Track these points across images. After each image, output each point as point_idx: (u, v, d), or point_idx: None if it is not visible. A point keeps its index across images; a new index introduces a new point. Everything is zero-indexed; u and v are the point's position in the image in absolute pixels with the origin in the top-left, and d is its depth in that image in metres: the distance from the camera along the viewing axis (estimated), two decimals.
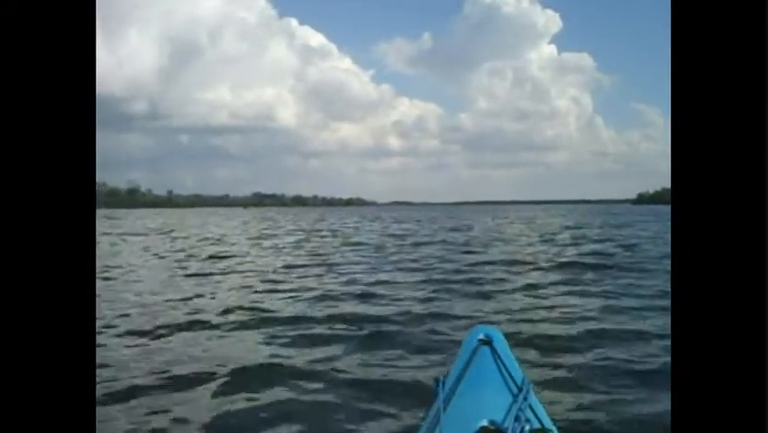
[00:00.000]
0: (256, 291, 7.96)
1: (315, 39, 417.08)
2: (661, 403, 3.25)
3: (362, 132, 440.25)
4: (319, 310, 6.33)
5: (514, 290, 7.75)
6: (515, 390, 1.90)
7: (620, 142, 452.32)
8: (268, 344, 4.95)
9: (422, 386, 3.49)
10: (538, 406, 1.89)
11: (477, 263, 10.94)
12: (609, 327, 5.34)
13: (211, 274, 10.04)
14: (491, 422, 1.74)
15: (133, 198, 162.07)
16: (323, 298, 7.21)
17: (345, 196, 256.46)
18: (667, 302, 5.56)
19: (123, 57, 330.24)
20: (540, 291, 7.68)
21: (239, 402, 3.50)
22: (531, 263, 10.94)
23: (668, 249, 11.20)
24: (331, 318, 5.84)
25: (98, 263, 10.02)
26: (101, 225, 30.30)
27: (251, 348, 4.82)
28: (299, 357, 4.45)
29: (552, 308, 6.45)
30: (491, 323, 4.42)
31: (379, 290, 7.88)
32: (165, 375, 3.96)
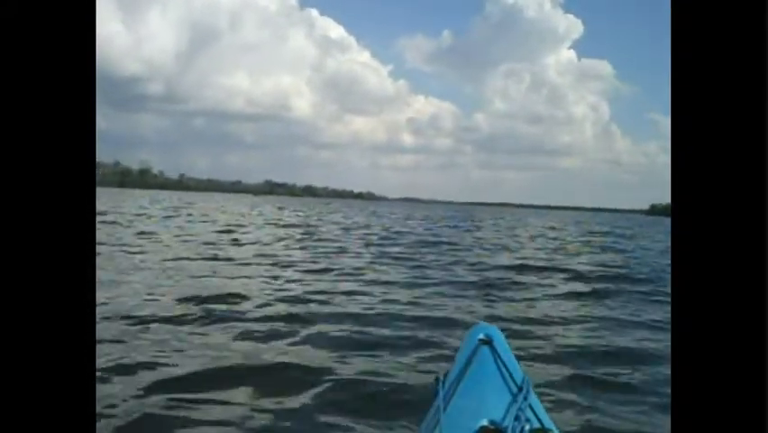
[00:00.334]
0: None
1: (335, 31, 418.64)
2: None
3: (376, 126, 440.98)
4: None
5: None
6: (515, 389, 1.90)
7: (636, 152, 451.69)
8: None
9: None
10: (538, 406, 1.89)
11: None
12: None
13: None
14: (491, 422, 1.74)
15: (144, 179, 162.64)
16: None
17: (356, 189, 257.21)
18: None
19: (143, 37, 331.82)
20: None
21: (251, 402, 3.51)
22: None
23: None
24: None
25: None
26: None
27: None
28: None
29: None
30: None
31: None
32: None
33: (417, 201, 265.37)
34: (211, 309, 5.66)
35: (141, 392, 3.38)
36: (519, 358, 2.15)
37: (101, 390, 3.27)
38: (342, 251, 12.72)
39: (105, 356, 3.89)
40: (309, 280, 8.14)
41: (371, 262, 10.74)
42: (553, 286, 8.87)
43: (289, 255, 11.34)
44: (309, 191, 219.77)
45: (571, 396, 3.55)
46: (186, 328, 5.00)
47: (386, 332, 5.17)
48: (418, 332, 5.19)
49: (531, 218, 56.42)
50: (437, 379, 1.96)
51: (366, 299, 6.90)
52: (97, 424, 2.82)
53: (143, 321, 5.08)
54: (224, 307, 5.91)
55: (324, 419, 3.20)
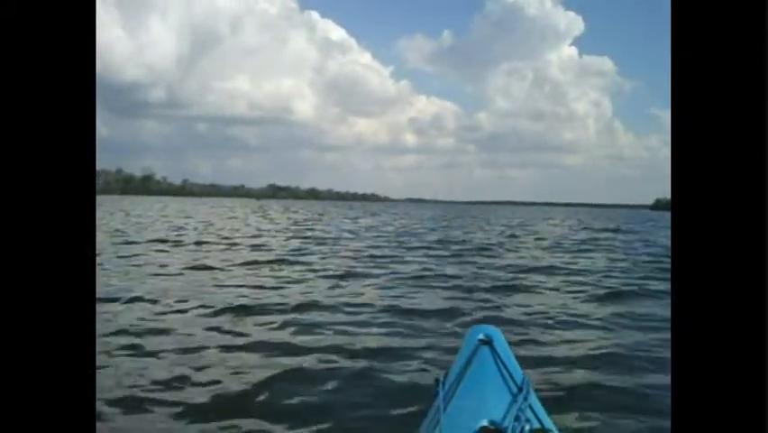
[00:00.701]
0: None
1: (336, 33, 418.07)
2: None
3: (379, 127, 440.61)
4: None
5: None
6: (515, 390, 1.90)
7: (639, 147, 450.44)
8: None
9: None
10: (538, 406, 1.89)
11: None
12: None
13: None
14: (491, 422, 1.74)
15: (147, 186, 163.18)
16: None
17: (360, 191, 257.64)
18: None
19: (144, 43, 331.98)
20: None
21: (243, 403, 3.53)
22: None
23: None
24: None
25: None
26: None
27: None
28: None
29: None
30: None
31: None
32: None
33: (422, 202, 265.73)
34: None
35: None
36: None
37: None
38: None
39: None
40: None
41: None
42: None
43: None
44: (313, 194, 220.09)
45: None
46: None
47: None
48: None
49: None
50: (437, 379, 1.96)
51: None
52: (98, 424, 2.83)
53: None
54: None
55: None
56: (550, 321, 5.93)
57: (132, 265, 9.49)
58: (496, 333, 2.16)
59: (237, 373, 3.96)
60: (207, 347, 4.53)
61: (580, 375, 4.03)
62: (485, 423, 1.73)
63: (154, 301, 6.33)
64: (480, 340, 2.10)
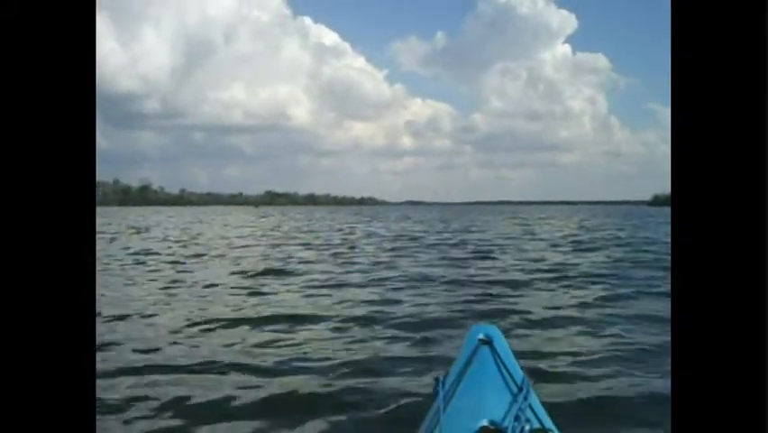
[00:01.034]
0: None
1: (329, 38, 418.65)
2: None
3: (375, 131, 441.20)
4: None
5: None
6: (515, 389, 1.89)
7: (635, 142, 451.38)
8: None
9: None
10: (538, 406, 1.89)
11: None
12: None
13: None
14: (491, 422, 1.74)
15: (145, 196, 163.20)
16: None
17: (357, 195, 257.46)
18: None
19: (138, 55, 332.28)
20: None
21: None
22: None
23: None
24: None
25: None
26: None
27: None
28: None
29: None
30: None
31: None
32: None
33: (420, 204, 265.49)
34: None
35: None
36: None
37: None
38: None
39: None
40: None
41: None
42: None
43: None
44: (311, 200, 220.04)
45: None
46: None
47: None
48: None
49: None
50: (437, 379, 1.95)
51: None
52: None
53: None
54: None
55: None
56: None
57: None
58: (496, 333, 2.16)
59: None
60: None
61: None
62: (485, 423, 1.73)
63: None
64: (480, 340, 2.10)
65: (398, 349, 4.69)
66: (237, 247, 15.56)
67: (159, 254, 13.46)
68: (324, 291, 7.84)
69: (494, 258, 12.49)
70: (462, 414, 1.78)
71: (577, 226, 24.99)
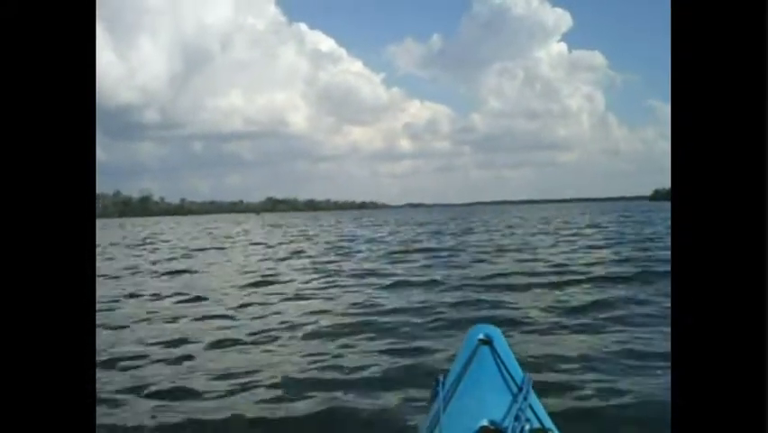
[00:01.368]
0: None
1: (326, 43, 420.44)
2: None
3: (374, 135, 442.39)
4: None
5: None
6: (515, 389, 1.89)
7: (634, 139, 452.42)
8: None
9: None
10: (538, 406, 1.88)
11: None
12: None
13: None
14: (491, 422, 1.73)
15: (146, 207, 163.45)
16: None
17: (358, 199, 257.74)
18: None
19: (135, 66, 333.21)
20: None
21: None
22: None
23: None
24: None
25: None
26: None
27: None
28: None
29: None
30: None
31: None
32: None
33: (421, 206, 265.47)
34: None
35: None
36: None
37: None
38: None
39: None
40: None
41: None
42: None
43: None
44: (311, 205, 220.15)
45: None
46: None
47: None
48: None
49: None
50: (437, 379, 1.95)
51: None
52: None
53: None
54: None
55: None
56: None
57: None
58: (496, 333, 2.15)
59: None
60: None
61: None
62: (485, 423, 1.73)
63: None
64: (480, 340, 2.09)
65: None
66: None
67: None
68: None
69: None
70: (462, 414, 1.78)
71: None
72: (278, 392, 3.85)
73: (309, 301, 7.87)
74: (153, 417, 3.45)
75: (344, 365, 4.45)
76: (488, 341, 2.09)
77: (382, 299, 7.67)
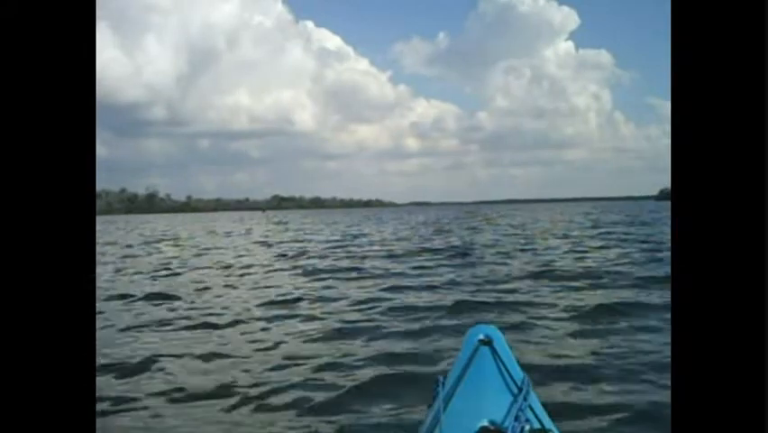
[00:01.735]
0: None
1: (332, 41, 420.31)
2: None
3: (380, 133, 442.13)
4: None
5: None
6: (515, 390, 1.89)
7: (641, 138, 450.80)
8: None
9: None
10: (538, 406, 1.89)
11: None
12: None
13: None
14: (491, 422, 1.74)
15: (152, 204, 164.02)
16: None
17: (364, 197, 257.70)
18: None
19: (142, 64, 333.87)
20: None
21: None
22: None
23: None
24: None
25: None
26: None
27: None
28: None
29: None
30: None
31: None
32: None
33: (427, 205, 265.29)
34: None
35: None
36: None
37: None
38: None
39: None
40: None
41: None
42: None
43: None
44: (317, 203, 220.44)
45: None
46: None
47: None
48: None
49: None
50: (437, 379, 1.96)
51: None
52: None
53: None
54: None
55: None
56: None
57: None
58: (496, 333, 2.15)
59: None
60: None
61: None
62: (485, 423, 1.73)
63: None
64: (480, 340, 2.09)
65: None
66: None
67: None
68: None
69: None
70: (462, 414, 1.78)
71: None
72: (279, 391, 3.86)
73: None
74: None
75: (348, 364, 4.46)
76: (488, 341, 2.09)
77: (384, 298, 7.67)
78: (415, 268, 10.95)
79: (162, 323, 6.25)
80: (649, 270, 9.63)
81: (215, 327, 6.00)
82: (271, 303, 7.41)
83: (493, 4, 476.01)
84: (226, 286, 9.27)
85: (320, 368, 4.28)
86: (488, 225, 29.45)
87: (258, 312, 6.80)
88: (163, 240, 23.99)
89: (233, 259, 14.01)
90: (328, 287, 8.79)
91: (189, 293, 8.43)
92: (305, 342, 5.23)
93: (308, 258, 13.69)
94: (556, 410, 2.09)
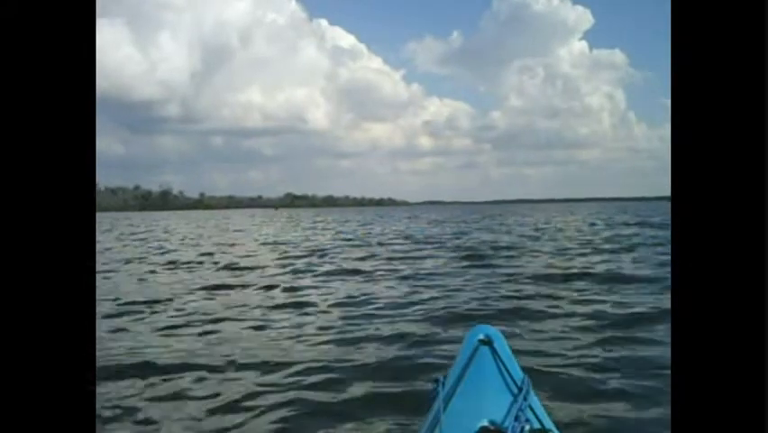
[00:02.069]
0: None
1: (346, 40, 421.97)
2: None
3: (394, 132, 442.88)
4: None
5: None
6: (515, 390, 1.89)
7: (654, 138, 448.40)
8: None
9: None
10: (538, 406, 1.88)
11: None
12: None
13: None
14: (491, 422, 1.74)
15: (165, 201, 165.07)
16: None
17: (376, 196, 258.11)
18: None
19: (156, 60, 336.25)
20: None
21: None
22: None
23: None
24: None
25: None
26: None
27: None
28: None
29: None
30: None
31: None
32: None
33: (440, 204, 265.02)
34: None
35: None
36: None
37: None
38: None
39: None
40: None
41: None
42: None
43: None
44: (329, 202, 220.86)
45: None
46: None
47: None
48: None
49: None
50: (437, 379, 1.96)
51: None
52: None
53: None
54: None
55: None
56: None
57: None
58: (496, 333, 2.15)
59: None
60: None
61: None
62: (485, 423, 1.74)
63: None
64: (480, 340, 2.09)
65: None
66: None
67: None
68: None
69: None
70: (462, 414, 1.79)
71: None
72: (281, 389, 3.87)
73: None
74: None
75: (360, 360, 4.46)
76: (488, 341, 2.09)
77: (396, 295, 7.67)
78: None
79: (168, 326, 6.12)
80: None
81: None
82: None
83: (507, 3, 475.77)
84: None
85: (324, 369, 4.27)
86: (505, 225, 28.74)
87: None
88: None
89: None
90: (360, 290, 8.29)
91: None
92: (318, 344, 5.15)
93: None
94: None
